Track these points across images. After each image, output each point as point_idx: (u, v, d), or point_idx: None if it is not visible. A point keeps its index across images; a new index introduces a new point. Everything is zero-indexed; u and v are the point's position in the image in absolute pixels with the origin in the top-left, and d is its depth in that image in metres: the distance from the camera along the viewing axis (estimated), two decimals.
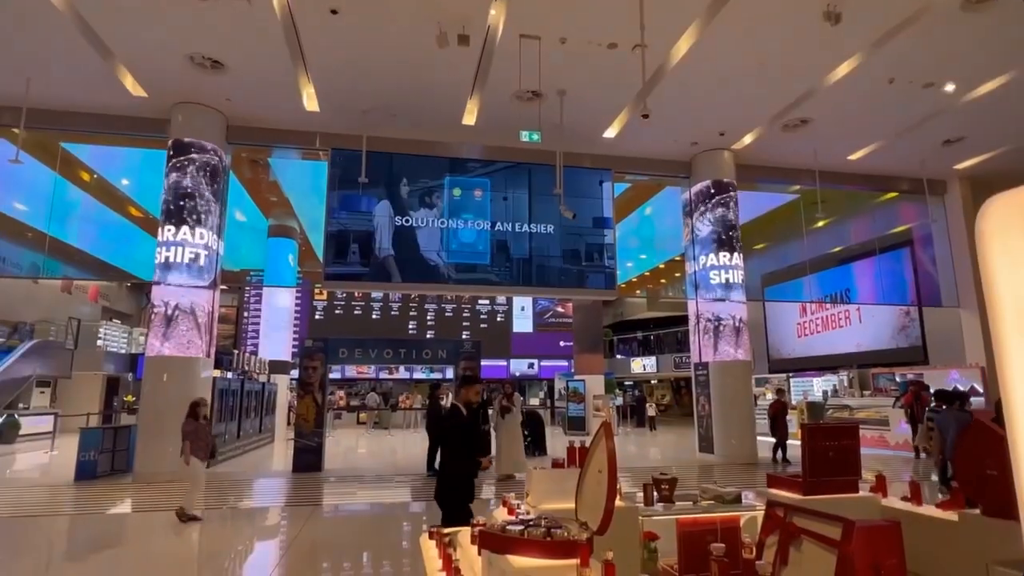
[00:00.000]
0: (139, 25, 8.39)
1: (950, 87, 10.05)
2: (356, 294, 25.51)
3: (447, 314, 26.97)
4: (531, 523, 2.05)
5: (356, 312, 26.24)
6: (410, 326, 26.51)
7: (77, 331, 19.36)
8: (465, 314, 27.18)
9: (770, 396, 18.85)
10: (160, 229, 10.59)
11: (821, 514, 1.39)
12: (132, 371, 20.26)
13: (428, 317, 26.78)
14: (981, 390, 13.06)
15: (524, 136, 9.67)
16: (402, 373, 25.91)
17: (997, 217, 1.00)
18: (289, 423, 18.23)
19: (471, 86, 10.00)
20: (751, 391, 12.86)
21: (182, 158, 10.62)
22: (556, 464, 3.07)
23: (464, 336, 26.02)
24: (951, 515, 2.81)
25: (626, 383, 30.64)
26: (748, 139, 12.10)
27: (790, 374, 19.06)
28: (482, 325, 27.15)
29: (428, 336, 26.10)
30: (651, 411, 22.35)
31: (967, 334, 13.96)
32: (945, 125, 11.52)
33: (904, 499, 3.26)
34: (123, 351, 21.66)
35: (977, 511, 2.69)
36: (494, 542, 1.97)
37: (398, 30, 8.49)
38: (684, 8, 8.10)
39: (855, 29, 8.35)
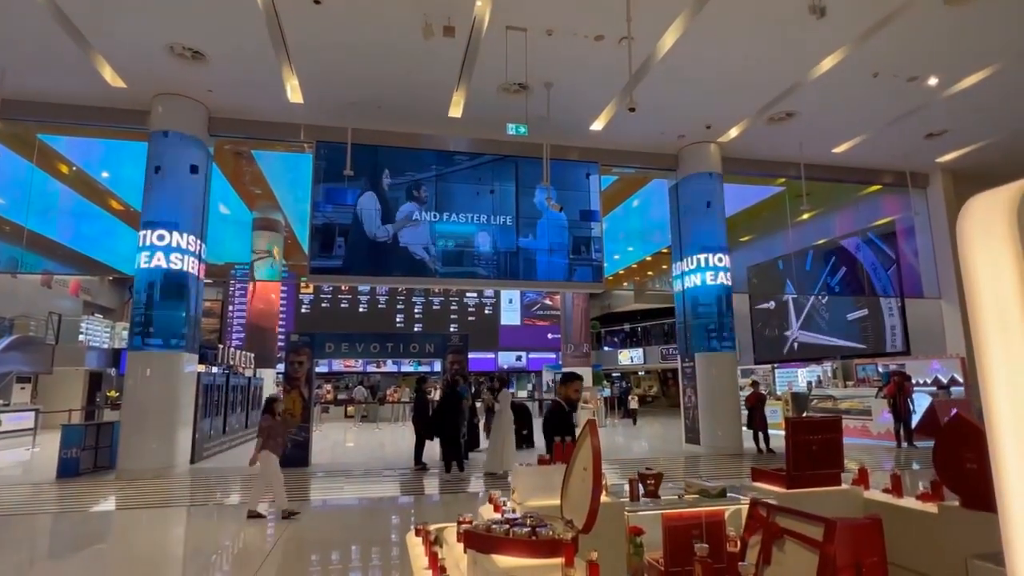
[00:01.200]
0: (116, 14, 8.21)
1: (933, 81, 10.14)
2: (343, 287, 25.36)
3: (435, 307, 26.91)
4: (516, 522, 2.05)
5: (343, 305, 26.10)
6: (397, 319, 26.43)
7: (58, 326, 19.04)
8: (453, 307, 27.14)
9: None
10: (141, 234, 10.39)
11: (803, 514, 1.40)
12: (115, 366, 19.99)
13: (416, 310, 26.70)
14: (961, 380, 13.30)
15: (511, 129, 9.63)
16: (390, 366, 25.84)
17: (978, 217, 1.00)
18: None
19: (457, 78, 9.92)
20: (737, 382, 12.98)
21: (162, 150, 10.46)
22: (542, 461, 3.06)
23: (452, 328, 26.00)
24: (931, 507, 2.84)
25: (614, 375, 30.84)
26: (734, 132, 12.15)
27: (775, 365, 19.27)
28: (470, 318, 27.13)
29: (416, 329, 26.04)
30: (633, 403, 21.41)
31: (948, 325, 14.19)
32: (928, 118, 11.64)
33: (885, 491, 3.29)
34: (106, 346, 21.35)
35: (956, 503, 2.73)
36: (479, 542, 1.96)
37: (383, 21, 8.39)
38: (670, 1, 8.08)
39: (840, 23, 8.39)
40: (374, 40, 8.87)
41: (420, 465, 10.42)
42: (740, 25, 8.57)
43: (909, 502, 3.00)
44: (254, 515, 6.74)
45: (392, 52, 9.16)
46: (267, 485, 6.91)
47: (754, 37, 8.88)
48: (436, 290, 25.86)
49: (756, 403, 12.34)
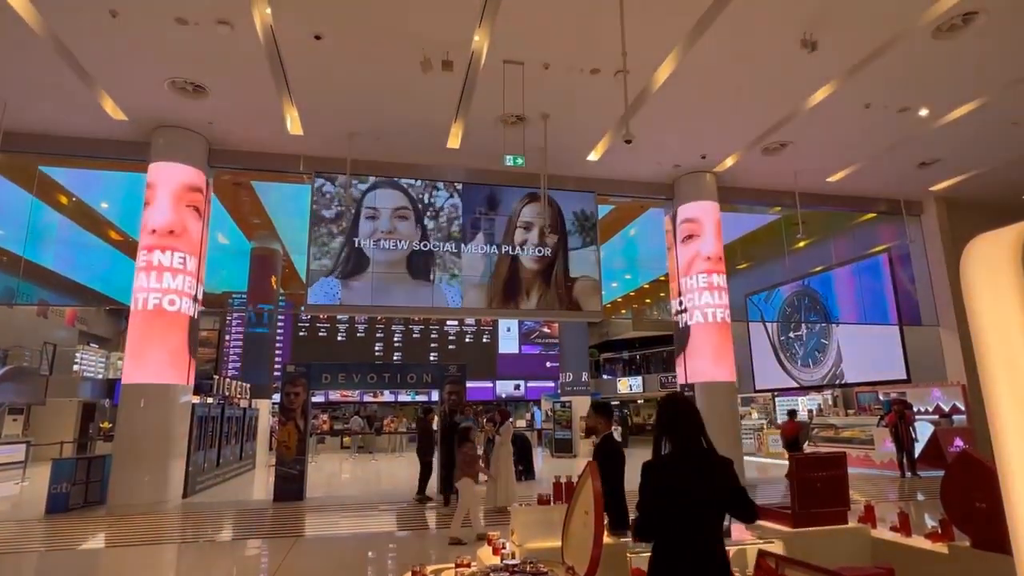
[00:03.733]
0: (119, 49, 8.33)
1: (924, 111, 10.30)
2: (321, 317, 25.11)
3: (415, 335, 26.72)
4: (515, 569, 1.98)
5: (321, 334, 25.90)
6: (376, 348, 26.24)
7: (52, 357, 18.86)
8: (433, 335, 26.94)
9: (755, 416, 18.92)
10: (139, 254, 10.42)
11: (813, 567, 1.35)
12: (109, 397, 19.75)
13: (395, 339, 26.52)
14: (963, 408, 13.19)
15: (508, 160, 9.71)
16: (387, 396, 25.58)
17: (982, 257, 0.98)
18: (271, 448, 17.83)
19: (455, 110, 10.05)
20: (737, 410, 12.86)
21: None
22: (542, 501, 3.00)
23: (434, 357, 25.81)
24: (941, 547, 2.78)
25: (612, 403, 30.57)
26: (729, 162, 12.28)
27: (775, 393, 19.15)
28: (460, 346, 26.95)
29: (399, 358, 25.84)
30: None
31: (947, 352, 14.14)
32: (920, 148, 11.80)
33: (893, 528, 3.23)
34: (100, 376, 21.15)
35: (967, 543, 2.67)
36: None
37: (382, 55, 8.53)
38: (665, 35, 8.24)
39: (831, 56, 8.55)
40: (374, 74, 9.00)
41: (422, 496, 10.22)
42: (733, 58, 8.72)
43: (918, 541, 2.93)
44: (455, 542, 6.98)
45: (391, 85, 9.29)
46: (465, 511, 7.33)
47: (747, 70, 9.03)
48: (416, 319, 25.69)
49: (795, 432, 12.86)
